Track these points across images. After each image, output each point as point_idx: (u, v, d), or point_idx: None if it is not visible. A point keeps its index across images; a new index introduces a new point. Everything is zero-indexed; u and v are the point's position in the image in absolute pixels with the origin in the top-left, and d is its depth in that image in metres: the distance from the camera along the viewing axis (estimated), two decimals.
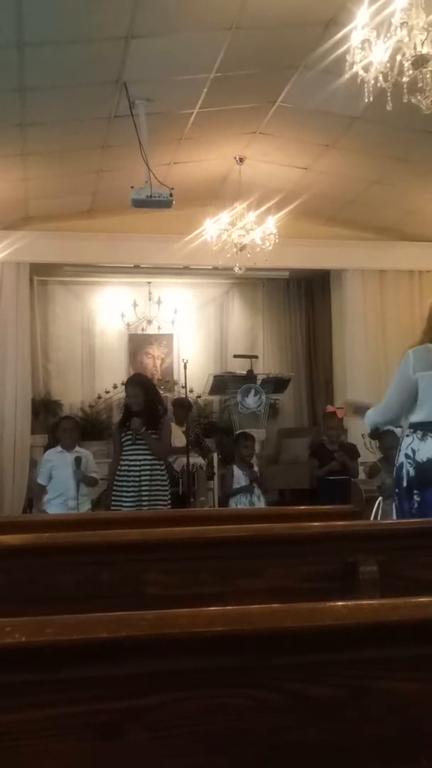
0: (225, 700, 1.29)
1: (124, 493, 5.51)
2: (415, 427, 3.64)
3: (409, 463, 3.61)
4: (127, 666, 1.26)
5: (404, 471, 3.62)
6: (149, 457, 5.55)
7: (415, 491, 3.58)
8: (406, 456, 3.63)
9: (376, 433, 3.88)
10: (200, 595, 2.20)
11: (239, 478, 6.55)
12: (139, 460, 5.53)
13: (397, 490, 3.70)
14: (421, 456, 3.58)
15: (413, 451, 3.60)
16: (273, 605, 1.38)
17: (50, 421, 9.00)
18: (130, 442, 5.58)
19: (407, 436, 3.67)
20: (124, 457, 5.59)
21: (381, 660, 1.35)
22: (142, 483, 5.50)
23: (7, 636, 1.21)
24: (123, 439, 5.64)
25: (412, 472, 3.59)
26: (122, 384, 9.20)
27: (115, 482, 5.63)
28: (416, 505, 3.56)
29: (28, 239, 8.26)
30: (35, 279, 9.45)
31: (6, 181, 7.12)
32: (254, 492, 6.51)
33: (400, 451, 3.71)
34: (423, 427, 3.61)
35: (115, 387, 9.74)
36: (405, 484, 3.60)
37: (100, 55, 5.18)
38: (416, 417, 3.66)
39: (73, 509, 5.73)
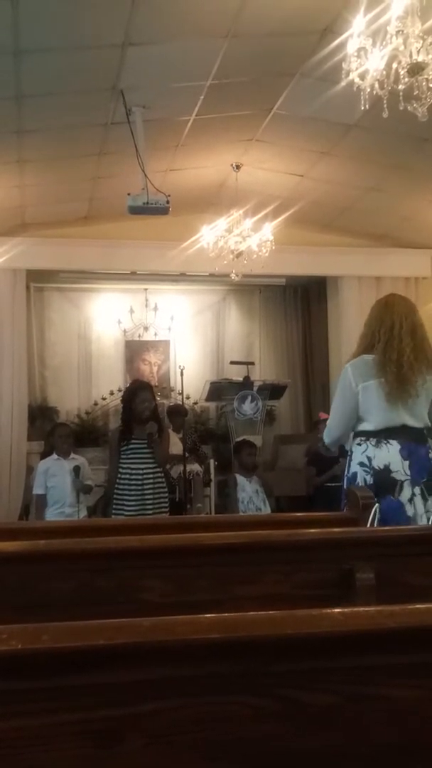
0: (222, 707, 1.29)
1: (126, 501, 5.44)
2: (367, 435, 3.60)
3: (365, 470, 3.55)
4: (124, 673, 1.26)
5: (359, 479, 3.58)
6: (152, 465, 5.51)
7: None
8: (361, 464, 3.57)
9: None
10: (197, 602, 2.19)
11: (243, 485, 6.53)
12: (142, 468, 5.46)
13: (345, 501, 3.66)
14: (378, 463, 3.54)
15: (369, 459, 3.56)
16: (270, 612, 1.38)
17: (47, 427, 8.99)
18: (135, 449, 5.52)
19: (359, 444, 3.62)
20: (125, 465, 5.50)
21: (378, 667, 1.35)
22: (145, 490, 5.43)
23: (3, 643, 1.21)
24: (123, 447, 5.58)
25: (369, 479, 3.54)
26: (119, 391, 9.23)
27: (115, 490, 5.57)
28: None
29: (25, 246, 8.26)
30: (32, 286, 9.46)
31: (2, 188, 7.12)
32: (259, 496, 6.52)
33: (351, 460, 3.66)
34: (376, 435, 3.58)
35: (111, 394, 9.74)
36: None
37: (97, 63, 5.19)
38: (365, 427, 3.61)
39: (70, 516, 5.73)
